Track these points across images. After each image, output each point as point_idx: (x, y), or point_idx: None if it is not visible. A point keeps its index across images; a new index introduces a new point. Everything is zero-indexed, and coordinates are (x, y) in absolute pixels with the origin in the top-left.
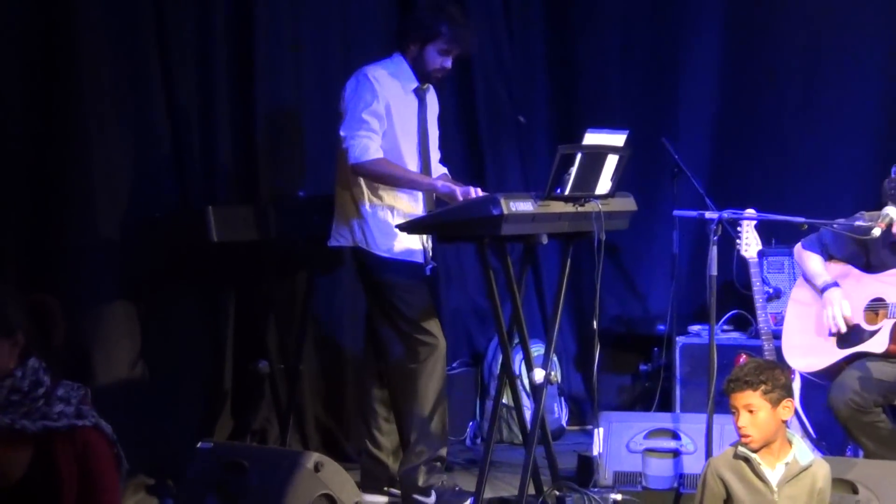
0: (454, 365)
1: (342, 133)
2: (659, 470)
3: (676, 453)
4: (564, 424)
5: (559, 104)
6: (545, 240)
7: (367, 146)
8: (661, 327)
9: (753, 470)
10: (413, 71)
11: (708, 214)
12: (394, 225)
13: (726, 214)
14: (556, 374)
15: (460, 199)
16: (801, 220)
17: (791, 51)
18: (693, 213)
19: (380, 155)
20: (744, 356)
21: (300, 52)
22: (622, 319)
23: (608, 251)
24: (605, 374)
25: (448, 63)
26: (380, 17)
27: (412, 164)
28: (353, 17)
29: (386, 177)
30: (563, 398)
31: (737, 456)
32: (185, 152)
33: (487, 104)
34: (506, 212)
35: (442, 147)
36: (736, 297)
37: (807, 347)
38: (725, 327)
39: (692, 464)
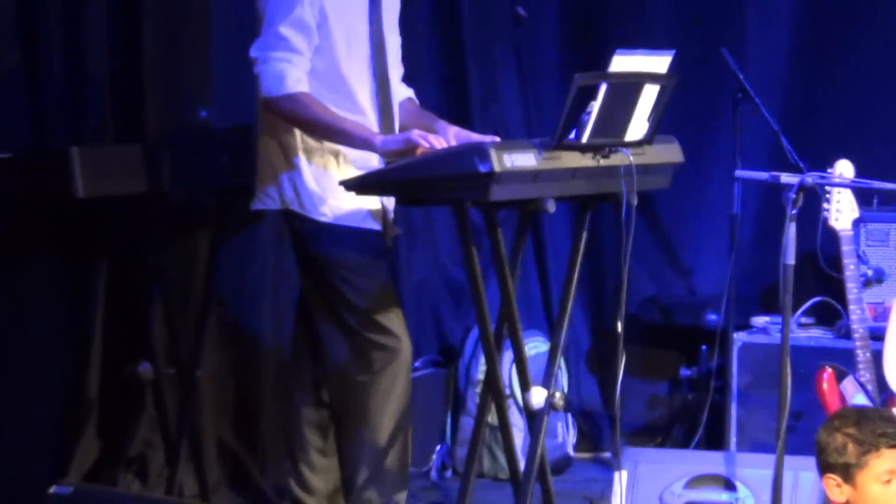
0: (417, 364)
1: (252, 54)
2: None
3: None
4: (571, 452)
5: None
6: (552, 207)
7: (284, 74)
8: (713, 317)
9: None
10: None
11: (785, 178)
12: (338, 178)
13: (810, 179)
14: (562, 396)
15: (420, 148)
16: None
17: None
18: (763, 176)
19: (300, 88)
20: (828, 370)
21: None
22: (658, 304)
23: (641, 209)
24: (632, 379)
25: None
26: None
27: (362, 88)
28: None
29: (304, 121)
30: (569, 415)
31: None
32: (41, 67)
33: None
34: (497, 168)
35: (405, 59)
36: (820, 277)
37: None
38: (803, 320)
39: None
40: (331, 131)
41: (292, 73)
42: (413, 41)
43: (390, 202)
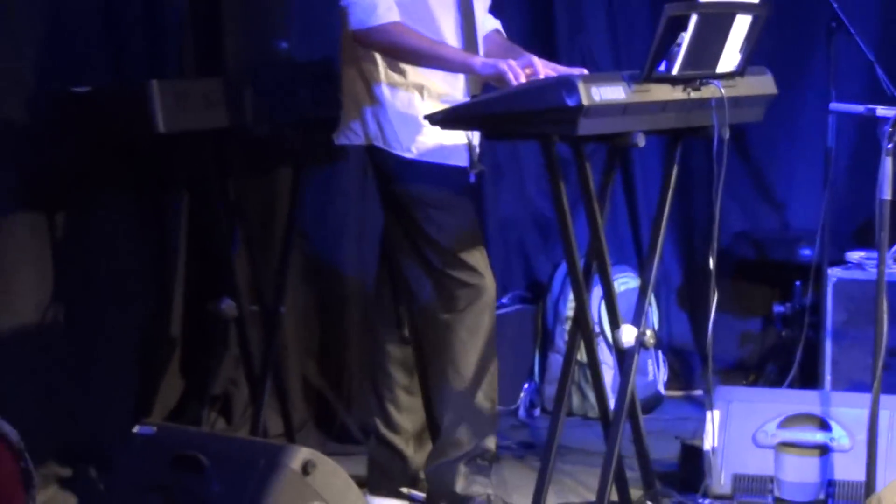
0: (504, 301)
1: None
2: (799, 474)
3: (825, 450)
4: (662, 390)
5: None
6: (641, 141)
7: (374, 4)
8: (807, 252)
9: None
10: None
11: (881, 111)
12: (422, 113)
13: None
14: (653, 334)
15: (513, 82)
16: None
17: None
18: (858, 109)
19: (392, 17)
20: None
21: None
22: (751, 239)
23: (732, 142)
24: (724, 315)
25: None
26: None
27: (446, 21)
28: None
29: (401, 50)
30: (660, 352)
31: None
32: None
33: None
34: (586, 102)
35: None
36: None
37: None
38: None
39: (847, 466)
40: (428, 56)
41: (382, 3)
42: None
43: (476, 137)
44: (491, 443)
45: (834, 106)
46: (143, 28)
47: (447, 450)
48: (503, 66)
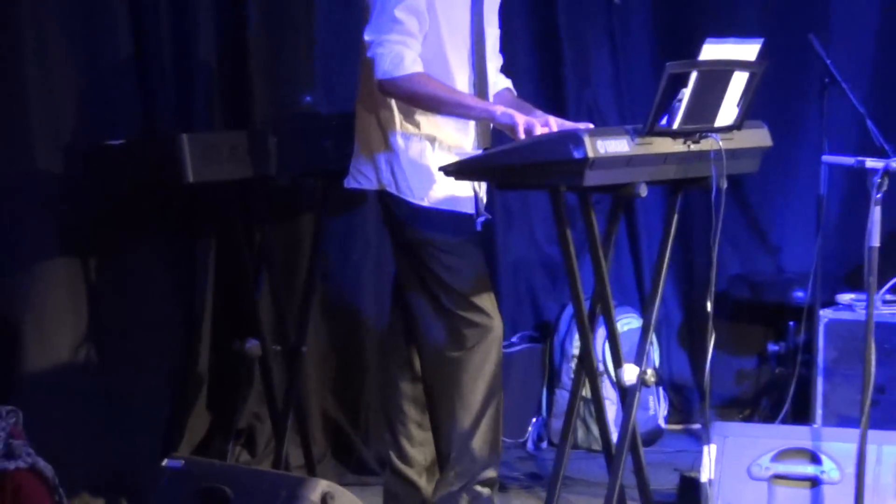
0: (513, 339)
1: (367, 38)
2: None
3: (815, 482)
4: (662, 423)
5: None
6: (644, 191)
7: (401, 56)
8: (800, 294)
9: None
10: None
11: (870, 163)
12: (434, 163)
13: (895, 164)
14: (654, 373)
15: (522, 135)
16: None
17: None
18: (849, 161)
19: (418, 68)
20: None
21: None
22: (746, 281)
23: (730, 190)
24: (721, 353)
25: None
26: None
27: (461, 78)
28: None
29: (426, 99)
30: (661, 388)
31: None
32: (152, 56)
33: None
34: (591, 155)
35: (504, 51)
36: None
37: None
38: (888, 297)
39: (836, 499)
40: (451, 104)
41: (409, 55)
42: (509, 27)
43: (482, 188)
44: (492, 473)
45: (826, 157)
46: (173, 83)
47: (453, 480)
48: (520, 118)
